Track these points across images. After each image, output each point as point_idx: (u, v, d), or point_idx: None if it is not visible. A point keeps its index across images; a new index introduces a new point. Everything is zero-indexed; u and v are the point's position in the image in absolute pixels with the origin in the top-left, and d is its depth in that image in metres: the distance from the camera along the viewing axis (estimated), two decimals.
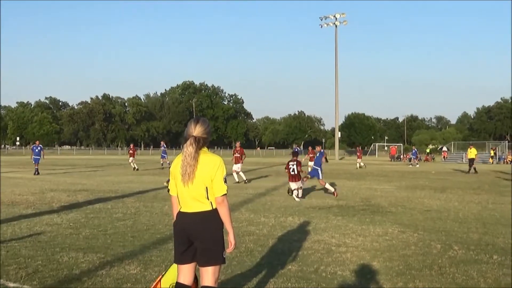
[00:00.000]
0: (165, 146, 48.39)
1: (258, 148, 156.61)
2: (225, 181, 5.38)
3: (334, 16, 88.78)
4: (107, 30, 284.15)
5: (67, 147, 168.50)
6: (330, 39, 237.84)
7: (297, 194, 19.76)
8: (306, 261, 9.11)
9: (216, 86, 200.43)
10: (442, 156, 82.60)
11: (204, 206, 5.32)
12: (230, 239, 5.51)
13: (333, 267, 8.66)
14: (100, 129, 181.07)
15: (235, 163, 28.99)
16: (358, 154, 52.88)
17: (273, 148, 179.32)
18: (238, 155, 29.36)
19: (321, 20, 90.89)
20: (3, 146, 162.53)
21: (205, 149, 5.41)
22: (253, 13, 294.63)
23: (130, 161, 42.20)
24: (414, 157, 59.85)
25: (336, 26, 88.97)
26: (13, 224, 12.87)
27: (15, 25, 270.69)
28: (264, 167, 50.29)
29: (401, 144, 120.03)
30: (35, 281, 7.65)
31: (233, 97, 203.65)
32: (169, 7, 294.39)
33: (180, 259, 5.47)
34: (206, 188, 5.29)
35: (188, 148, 5.28)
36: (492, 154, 73.27)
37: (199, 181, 5.27)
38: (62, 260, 8.95)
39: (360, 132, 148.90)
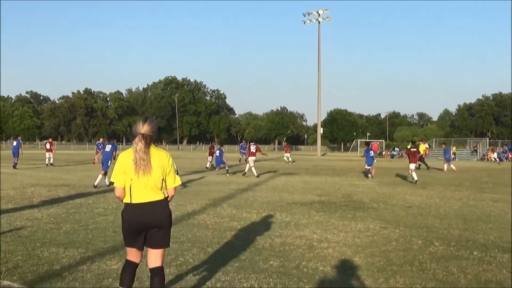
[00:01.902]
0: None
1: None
2: (177, 173, 5.99)
3: (317, 12, 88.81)
4: (90, 24, 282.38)
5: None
6: (313, 36, 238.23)
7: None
8: (288, 256, 9.12)
9: (198, 81, 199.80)
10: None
11: (158, 196, 5.76)
12: None
13: (315, 263, 8.67)
14: (82, 124, 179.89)
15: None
16: (285, 149, 54.27)
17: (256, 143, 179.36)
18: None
19: (304, 16, 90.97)
20: None
21: (153, 145, 5.88)
22: (236, 9, 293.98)
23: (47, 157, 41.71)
24: (396, 153, 60.23)
25: (319, 22, 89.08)
26: None
27: None
28: (246, 163, 50.25)
29: (383, 141, 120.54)
30: (15, 276, 7.60)
31: (216, 92, 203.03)
32: (152, 2, 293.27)
33: (132, 244, 5.88)
34: (163, 179, 5.78)
35: (138, 144, 5.73)
36: (454, 150, 74.43)
37: (155, 173, 5.72)
38: (43, 255, 8.90)
39: (342, 128, 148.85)
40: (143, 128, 5.80)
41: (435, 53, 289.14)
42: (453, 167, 40.46)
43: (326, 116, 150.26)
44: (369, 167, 30.84)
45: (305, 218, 13.65)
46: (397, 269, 8.35)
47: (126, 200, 5.80)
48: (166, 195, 5.83)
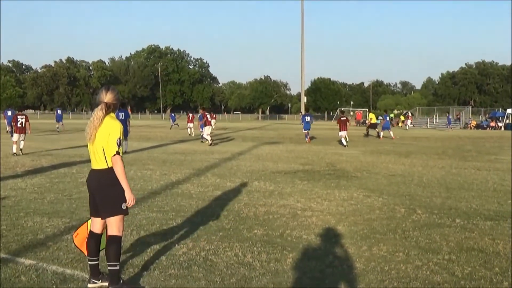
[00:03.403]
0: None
1: (225, 113, 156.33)
2: (118, 143, 5.84)
3: None
4: None
5: (31, 111, 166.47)
6: (296, 3, 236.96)
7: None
8: (272, 225, 9.17)
9: (182, 50, 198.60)
10: (407, 121, 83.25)
11: (101, 164, 5.86)
12: (126, 195, 5.89)
13: (299, 231, 8.73)
14: (65, 93, 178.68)
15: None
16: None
17: (239, 112, 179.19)
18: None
19: None
20: None
21: (112, 114, 5.97)
22: None
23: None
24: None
25: None
26: None
27: None
28: (230, 132, 50.33)
29: (367, 109, 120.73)
30: None
31: (199, 61, 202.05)
32: None
33: (90, 212, 6.12)
34: (103, 148, 5.82)
35: (98, 112, 5.83)
36: (403, 119, 75.64)
37: (98, 141, 5.83)
38: (27, 225, 8.90)
39: (325, 97, 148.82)
40: (107, 96, 5.91)
41: (418, 21, 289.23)
42: (392, 135, 41.12)
43: (309, 85, 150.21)
44: (306, 131, 35.19)
45: (289, 187, 13.70)
46: (380, 237, 8.42)
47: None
48: (110, 165, 5.84)
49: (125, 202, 5.91)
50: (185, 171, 16.81)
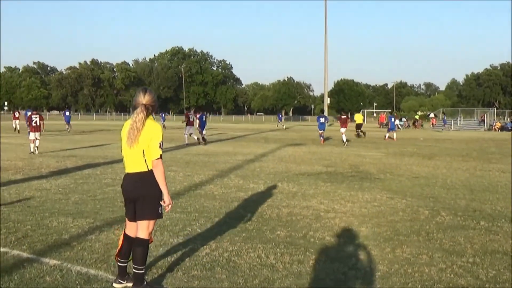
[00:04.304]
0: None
1: (248, 114, 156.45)
2: (160, 146, 5.85)
3: None
4: None
5: (56, 112, 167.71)
6: (319, 4, 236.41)
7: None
8: (295, 226, 9.17)
9: (205, 52, 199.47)
10: (431, 123, 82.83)
11: (140, 168, 5.83)
12: (164, 198, 5.88)
13: (322, 233, 8.72)
14: (89, 94, 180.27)
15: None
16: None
17: (262, 114, 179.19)
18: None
19: None
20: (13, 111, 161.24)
21: (151, 116, 5.96)
22: None
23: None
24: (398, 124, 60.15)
25: None
26: (2, 189, 12.85)
27: None
28: (253, 133, 50.37)
29: (390, 111, 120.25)
30: (25, 245, 7.67)
31: (222, 62, 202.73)
32: None
33: (127, 216, 6.08)
34: (143, 151, 5.79)
35: (139, 114, 5.80)
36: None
37: (140, 144, 5.78)
38: (52, 225, 8.97)
39: (349, 99, 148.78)
40: (145, 98, 5.87)
41: (443, 22, 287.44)
42: (394, 136, 41.56)
43: (333, 86, 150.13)
44: (321, 131, 35.90)
45: (312, 189, 13.69)
46: (403, 239, 8.39)
47: (125, 169, 6.04)
48: (150, 167, 5.82)
49: (161, 206, 5.94)
50: (208, 173, 16.85)
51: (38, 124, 23.90)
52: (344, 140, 32.78)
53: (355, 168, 19.03)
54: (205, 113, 37.26)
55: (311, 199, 12.11)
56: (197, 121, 32.95)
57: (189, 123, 32.02)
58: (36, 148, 23.23)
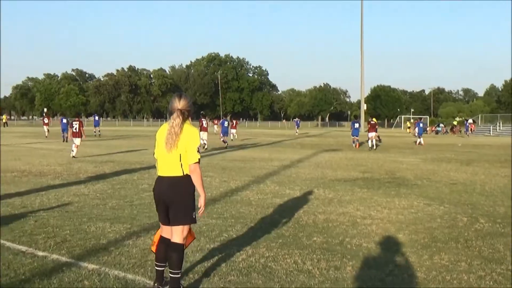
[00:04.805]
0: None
1: (284, 120, 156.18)
2: (198, 151, 5.88)
3: None
4: (132, 3, 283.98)
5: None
6: (356, 8, 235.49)
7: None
8: (331, 233, 9.13)
9: (241, 58, 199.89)
10: (470, 129, 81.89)
11: (176, 172, 5.86)
12: (201, 202, 5.95)
13: (358, 239, 8.67)
14: (126, 101, 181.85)
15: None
16: (232, 123, 52.41)
17: (299, 120, 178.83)
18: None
19: None
20: (31, 117, 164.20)
21: (188, 120, 5.98)
22: None
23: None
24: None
25: None
26: (42, 194, 13.04)
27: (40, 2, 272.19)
28: (289, 139, 50.34)
29: (427, 117, 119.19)
30: (63, 250, 7.76)
31: (258, 69, 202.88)
32: None
33: (161, 219, 6.12)
34: (180, 155, 5.82)
35: (176, 119, 5.85)
36: (409, 125, 74.70)
37: (178, 148, 5.82)
38: (90, 230, 9.06)
39: (385, 105, 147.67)
40: (180, 103, 5.93)
41: (481, 27, 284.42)
42: (422, 141, 41.34)
43: (369, 92, 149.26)
44: (355, 137, 36.63)
45: (348, 195, 13.62)
46: (441, 246, 8.31)
47: (157, 172, 6.08)
48: (187, 172, 5.86)
49: (195, 211, 5.98)
50: (244, 178, 16.87)
51: (78, 130, 24.50)
52: (370, 145, 33.63)
53: (391, 174, 18.91)
54: (227, 118, 37.71)
55: (348, 205, 12.05)
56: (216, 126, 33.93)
57: (202, 129, 32.08)
58: (72, 151, 23.90)
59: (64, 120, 42.06)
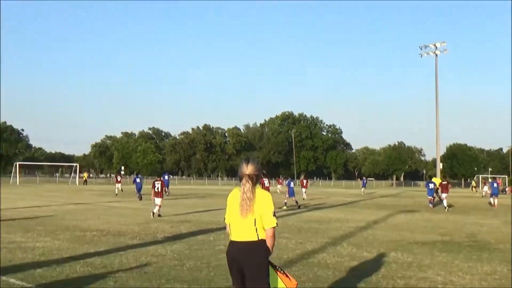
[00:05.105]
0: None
1: (358, 179, 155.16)
2: (274, 215, 5.83)
3: (434, 45, 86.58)
4: (207, 62, 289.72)
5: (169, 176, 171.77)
6: (430, 68, 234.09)
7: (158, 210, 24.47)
8: None
9: (315, 117, 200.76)
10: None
11: (251, 236, 5.79)
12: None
13: None
14: (201, 159, 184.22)
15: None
16: (302, 183, 51.61)
17: (373, 179, 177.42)
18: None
19: (421, 49, 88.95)
20: (109, 175, 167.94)
21: (258, 185, 5.97)
22: (350, 44, 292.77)
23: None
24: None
25: (436, 55, 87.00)
26: (120, 254, 13.23)
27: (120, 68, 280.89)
28: (364, 199, 49.86)
29: (506, 176, 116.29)
30: None
31: (332, 127, 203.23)
32: (262, 42, 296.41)
33: (235, 284, 5.96)
34: (255, 220, 5.76)
35: (246, 185, 5.84)
36: (474, 184, 72.38)
37: (251, 213, 5.77)
38: None
39: (462, 164, 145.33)
40: (248, 168, 5.94)
41: None
42: (495, 202, 39.86)
43: (445, 150, 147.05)
44: (430, 198, 37.21)
45: (427, 259, 13.32)
46: None
47: (230, 237, 6.01)
48: (262, 237, 5.81)
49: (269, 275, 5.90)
50: (321, 240, 16.73)
51: (160, 190, 25.16)
52: (445, 205, 34.02)
53: (472, 237, 18.44)
54: (292, 179, 37.80)
55: (427, 270, 11.78)
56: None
57: (264, 188, 31.89)
58: (152, 213, 24.28)
59: (138, 180, 42.78)
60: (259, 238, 5.80)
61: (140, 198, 39.36)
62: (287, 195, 34.69)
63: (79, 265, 11.58)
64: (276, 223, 5.82)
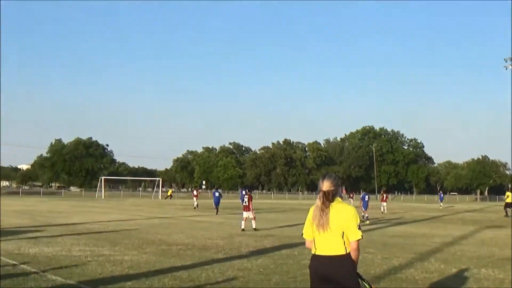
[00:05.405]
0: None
1: (440, 193, 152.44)
2: (359, 228, 5.81)
3: None
4: (287, 77, 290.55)
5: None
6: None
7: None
8: None
9: (395, 131, 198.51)
10: None
11: (338, 250, 5.75)
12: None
13: None
14: (281, 173, 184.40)
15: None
16: (383, 197, 50.54)
17: (456, 193, 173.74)
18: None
19: (506, 61, 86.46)
20: (189, 189, 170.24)
21: (338, 199, 5.96)
22: (432, 56, 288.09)
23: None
24: None
25: None
26: (206, 268, 13.34)
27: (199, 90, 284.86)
28: (448, 214, 48.88)
29: None
30: None
31: (413, 141, 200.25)
32: (344, 59, 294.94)
33: None
34: (343, 233, 5.76)
35: (317, 201, 5.94)
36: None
37: (335, 227, 5.76)
38: None
39: None
40: (324, 185, 5.96)
41: None
42: None
43: None
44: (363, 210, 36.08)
45: None
46: None
47: (312, 251, 5.97)
48: (348, 250, 5.77)
49: None
50: (407, 255, 16.46)
51: (247, 203, 25.68)
52: None
53: None
54: (366, 193, 37.25)
55: None
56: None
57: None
58: (243, 230, 24.76)
59: (217, 193, 43.79)
60: (347, 252, 5.76)
61: (217, 212, 40.82)
62: (363, 209, 34.36)
63: (167, 278, 11.75)
64: (362, 236, 5.80)
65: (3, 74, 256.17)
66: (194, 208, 49.87)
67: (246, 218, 25.41)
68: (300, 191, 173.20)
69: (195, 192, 53.96)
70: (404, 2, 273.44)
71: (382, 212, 45.03)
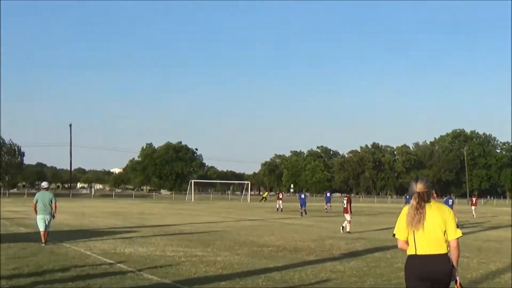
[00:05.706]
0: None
1: None
2: (458, 226, 5.94)
3: None
4: (375, 81, 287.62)
5: (337, 194, 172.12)
6: None
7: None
8: None
9: (487, 134, 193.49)
10: None
11: (439, 249, 5.83)
12: (455, 275, 5.84)
13: None
14: (370, 177, 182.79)
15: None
16: (472, 201, 48.89)
17: None
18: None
19: None
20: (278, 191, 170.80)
21: (432, 200, 6.06)
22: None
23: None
24: None
25: None
26: (299, 270, 13.37)
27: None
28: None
29: None
30: None
31: (506, 145, 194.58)
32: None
33: None
34: (445, 232, 5.86)
35: (412, 201, 6.03)
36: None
37: (435, 227, 5.86)
38: None
39: None
40: (417, 186, 6.04)
41: None
42: None
43: None
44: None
45: None
46: None
47: (410, 251, 5.98)
48: (448, 249, 5.85)
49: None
50: (504, 260, 16.03)
51: (346, 205, 25.97)
52: None
53: None
54: (450, 197, 36.43)
55: None
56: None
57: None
58: (342, 230, 25.47)
59: (303, 196, 44.69)
60: (448, 250, 5.86)
61: (302, 214, 41.46)
62: None
63: (260, 279, 11.84)
64: (462, 234, 5.92)
65: (99, 80, 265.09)
66: (277, 210, 50.43)
67: (350, 220, 25.80)
68: (389, 194, 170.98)
69: (280, 195, 54.66)
70: None
71: (473, 216, 44.23)
